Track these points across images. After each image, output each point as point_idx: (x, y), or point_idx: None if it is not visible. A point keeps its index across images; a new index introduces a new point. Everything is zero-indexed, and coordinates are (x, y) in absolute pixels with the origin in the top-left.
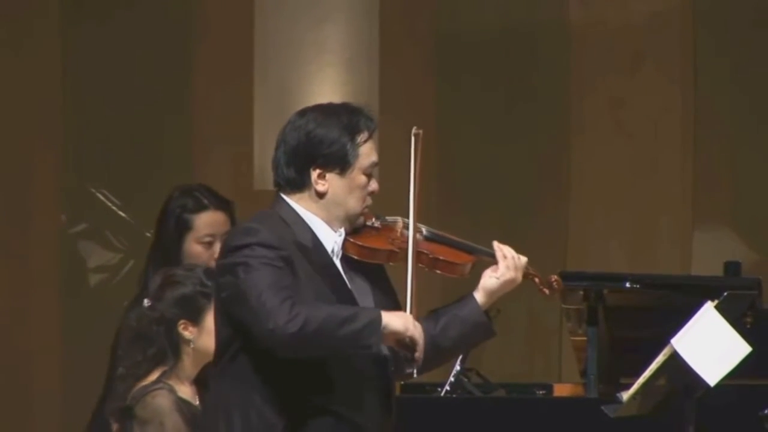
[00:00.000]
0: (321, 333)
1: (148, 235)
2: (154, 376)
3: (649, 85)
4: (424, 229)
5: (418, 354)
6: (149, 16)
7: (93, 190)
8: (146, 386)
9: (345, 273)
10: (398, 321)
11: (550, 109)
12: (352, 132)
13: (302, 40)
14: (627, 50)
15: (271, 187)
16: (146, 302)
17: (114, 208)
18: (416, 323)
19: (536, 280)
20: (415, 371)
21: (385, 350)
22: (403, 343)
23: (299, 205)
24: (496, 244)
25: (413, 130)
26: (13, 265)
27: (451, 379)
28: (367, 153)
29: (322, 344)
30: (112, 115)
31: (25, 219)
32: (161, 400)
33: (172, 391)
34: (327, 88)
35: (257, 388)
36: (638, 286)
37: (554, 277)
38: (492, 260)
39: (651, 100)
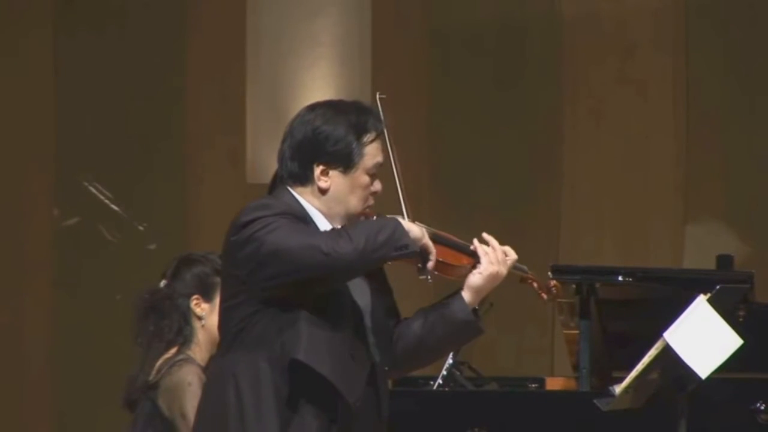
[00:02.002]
0: (368, 243)
1: (141, 228)
2: (171, 353)
3: (641, 78)
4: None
5: (431, 264)
6: (144, 10)
7: (86, 184)
8: (169, 359)
9: None
10: (415, 229)
11: (543, 103)
12: (359, 131)
13: (294, 33)
14: (619, 43)
15: (264, 180)
16: (163, 283)
17: (107, 201)
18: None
19: (534, 284)
20: (429, 278)
21: (376, 356)
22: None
23: (302, 197)
24: (476, 241)
25: (377, 95)
26: (7, 259)
27: (444, 372)
28: (372, 154)
29: (373, 253)
30: (105, 108)
31: (18, 213)
32: (188, 367)
33: (195, 360)
34: (319, 81)
35: (265, 356)
36: (631, 279)
37: (553, 282)
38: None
39: (643, 93)
